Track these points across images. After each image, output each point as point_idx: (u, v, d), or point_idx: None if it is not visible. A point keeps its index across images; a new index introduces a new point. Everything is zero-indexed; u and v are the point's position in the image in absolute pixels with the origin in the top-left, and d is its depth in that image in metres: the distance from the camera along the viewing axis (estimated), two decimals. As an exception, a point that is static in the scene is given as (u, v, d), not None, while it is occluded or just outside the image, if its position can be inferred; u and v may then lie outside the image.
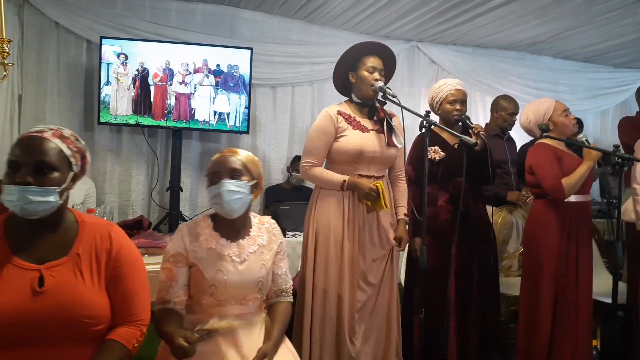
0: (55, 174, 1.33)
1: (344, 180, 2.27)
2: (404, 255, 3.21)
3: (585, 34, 4.36)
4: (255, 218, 1.86)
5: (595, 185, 4.49)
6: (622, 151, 2.31)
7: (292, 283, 1.91)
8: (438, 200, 2.74)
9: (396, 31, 4.44)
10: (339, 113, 2.35)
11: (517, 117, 3.55)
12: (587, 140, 2.55)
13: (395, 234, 2.45)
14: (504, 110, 3.51)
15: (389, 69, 2.43)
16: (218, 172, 1.73)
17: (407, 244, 2.58)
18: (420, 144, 2.75)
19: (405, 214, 2.51)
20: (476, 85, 4.83)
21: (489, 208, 3.01)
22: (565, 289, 2.66)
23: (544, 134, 2.56)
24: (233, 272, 1.70)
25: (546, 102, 2.72)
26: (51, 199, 1.31)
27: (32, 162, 1.30)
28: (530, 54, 5.03)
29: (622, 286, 2.79)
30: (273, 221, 1.90)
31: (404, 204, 2.51)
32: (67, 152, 1.37)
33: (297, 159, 3.96)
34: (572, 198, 2.62)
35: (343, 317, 2.31)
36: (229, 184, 1.69)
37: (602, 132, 5.44)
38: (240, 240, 1.77)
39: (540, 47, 4.85)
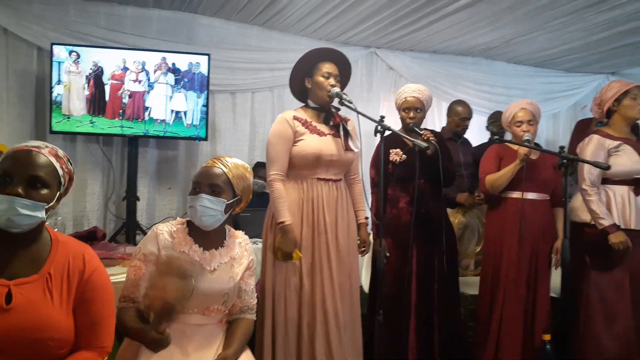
0: (46, 191, 1.33)
1: (283, 222, 2.25)
2: (364, 258, 3.24)
3: (537, 40, 4.50)
4: (229, 231, 1.88)
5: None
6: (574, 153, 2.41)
7: (256, 301, 1.92)
8: (399, 202, 2.80)
9: (355, 37, 4.48)
10: (295, 118, 2.36)
11: (470, 121, 3.68)
12: (528, 141, 2.67)
13: (359, 237, 2.48)
14: (457, 115, 3.65)
15: (344, 75, 2.46)
16: (199, 183, 1.73)
17: (372, 246, 2.61)
18: (384, 146, 2.80)
19: (366, 217, 2.54)
20: (433, 91, 4.82)
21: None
22: (520, 285, 2.75)
23: (494, 138, 2.68)
24: (202, 279, 1.68)
25: (511, 108, 2.87)
26: (39, 214, 1.30)
27: (26, 175, 1.30)
28: (485, 59, 5.16)
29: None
30: (246, 237, 1.92)
31: (362, 207, 2.54)
32: (60, 171, 1.37)
33: (258, 165, 3.94)
34: (529, 195, 2.73)
35: (304, 321, 2.31)
36: (205, 200, 1.69)
37: (554, 134, 5.62)
38: (213, 249, 1.77)
39: (495, 53, 4.98)
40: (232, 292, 1.77)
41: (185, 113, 3.78)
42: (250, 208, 3.40)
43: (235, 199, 1.77)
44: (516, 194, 2.77)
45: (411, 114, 2.78)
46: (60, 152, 1.42)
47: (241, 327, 1.81)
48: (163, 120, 3.73)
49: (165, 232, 1.74)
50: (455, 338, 2.86)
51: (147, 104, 3.68)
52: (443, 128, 3.89)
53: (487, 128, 4.14)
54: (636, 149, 2.78)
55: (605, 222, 2.67)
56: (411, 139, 2.34)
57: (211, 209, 1.69)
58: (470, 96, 4.99)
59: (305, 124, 2.37)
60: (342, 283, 2.40)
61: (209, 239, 1.78)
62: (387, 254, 2.72)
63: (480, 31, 4.25)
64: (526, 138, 2.70)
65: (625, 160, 2.74)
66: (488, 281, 2.86)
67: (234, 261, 1.80)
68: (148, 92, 3.69)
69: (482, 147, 3.36)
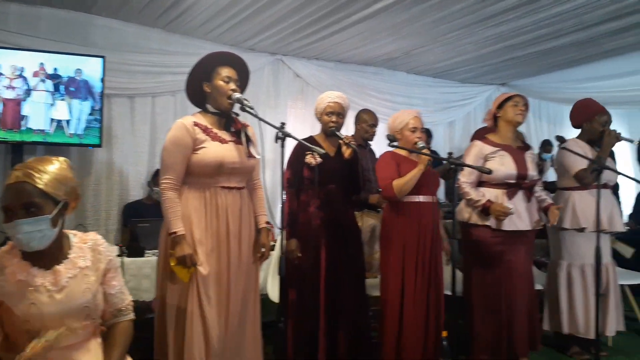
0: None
1: (175, 232, 2.15)
2: (270, 266, 3.22)
3: (433, 51, 4.75)
4: (75, 237, 1.67)
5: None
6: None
7: (130, 299, 1.77)
8: (310, 206, 2.81)
9: (260, 44, 4.46)
10: (196, 124, 2.28)
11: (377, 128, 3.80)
12: (422, 147, 2.79)
13: (260, 242, 2.43)
14: (365, 122, 3.75)
15: (243, 80, 2.41)
16: (10, 208, 1.48)
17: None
18: (300, 150, 2.81)
19: (267, 222, 2.50)
20: (338, 99, 5.02)
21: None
22: (417, 285, 2.86)
23: (390, 144, 2.76)
24: (48, 303, 1.52)
25: (405, 114, 2.94)
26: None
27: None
28: (387, 69, 5.36)
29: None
30: (98, 237, 1.71)
31: (263, 212, 2.50)
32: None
33: (159, 172, 3.77)
34: (420, 198, 2.85)
35: (208, 334, 2.22)
36: (24, 226, 1.47)
37: (450, 141, 5.96)
38: (57, 266, 1.57)
39: (396, 63, 5.19)
40: (93, 303, 1.61)
41: (68, 122, 3.55)
42: (150, 218, 3.29)
43: (60, 206, 1.54)
44: (412, 198, 2.87)
45: (334, 118, 2.85)
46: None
47: (118, 333, 1.69)
48: (42, 130, 3.47)
49: None
50: (362, 339, 2.92)
51: (24, 113, 3.42)
52: (352, 135, 3.98)
53: (387, 136, 4.27)
54: (514, 156, 2.99)
55: (483, 201, 2.89)
56: (310, 145, 2.34)
57: (35, 232, 1.48)
58: (374, 104, 5.15)
59: (206, 130, 2.29)
60: (244, 292, 2.35)
61: (48, 256, 1.57)
62: (299, 255, 2.73)
63: (381, 42, 4.41)
64: (421, 145, 2.82)
65: (499, 165, 2.94)
66: (390, 283, 2.93)
67: (86, 270, 1.62)
68: (25, 100, 3.42)
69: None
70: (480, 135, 3.14)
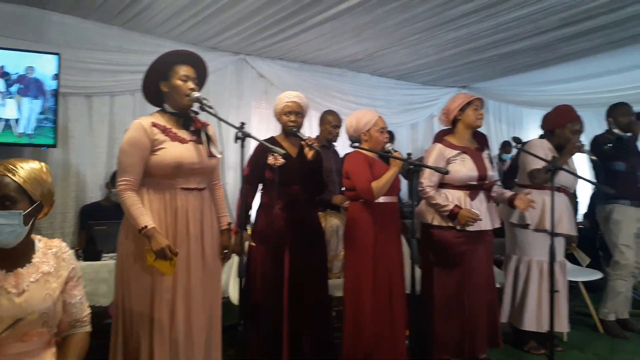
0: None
1: (145, 226, 2.08)
2: (231, 269, 3.18)
3: (396, 54, 4.80)
4: (40, 242, 1.66)
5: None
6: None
7: (89, 312, 1.74)
8: (273, 207, 2.79)
9: (223, 43, 4.41)
10: (154, 125, 2.22)
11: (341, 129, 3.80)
12: (393, 150, 2.81)
13: (222, 243, 2.40)
14: (329, 123, 3.77)
15: (201, 78, 2.37)
16: None
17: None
18: (261, 151, 2.79)
19: (228, 223, 2.47)
20: (303, 99, 5.01)
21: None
22: (380, 285, 2.88)
23: (354, 145, 2.77)
24: (7, 306, 1.48)
25: (370, 115, 2.95)
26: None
27: None
28: (351, 71, 5.38)
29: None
30: (63, 244, 1.70)
31: (225, 213, 2.47)
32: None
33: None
34: (381, 199, 2.87)
35: (172, 338, 2.18)
36: None
37: (413, 142, 6.04)
38: (19, 269, 1.55)
39: (360, 65, 5.22)
40: (52, 310, 1.58)
41: (17, 121, 3.42)
42: (108, 221, 3.20)
43: (34, 205, 1.56)
44: (382, 199, 2.89)
45: (292, 118, 2.82)
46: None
47: (73, 345, 1.64)
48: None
49: None
50: (325, 340, 2.92)
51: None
52: (317, 137, 3.98)
53: (350, 137, 4.29)
54: (473, 158, 3.07)
55: (450, 206, 2.94)
56: (270, 146, 2.32)
57: (6, 225, 1.48)
58: (338, 106, 5.16)
59: (164, 130, 2.23)
60: (208, 295, 2.31)
61: (12, 257, 1.55)
62: (253, 244, 2.70)
63: (344, 43, 4.43)
64: (390, 147, 2.83)
65: (461, 167, 3.01)
66: (353, 283, 2.94)
67: (48, 276, 1.60)
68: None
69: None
70: (439, 137, 3.19)
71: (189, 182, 2.25)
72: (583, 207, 4.45)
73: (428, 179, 3.00)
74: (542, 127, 3.58)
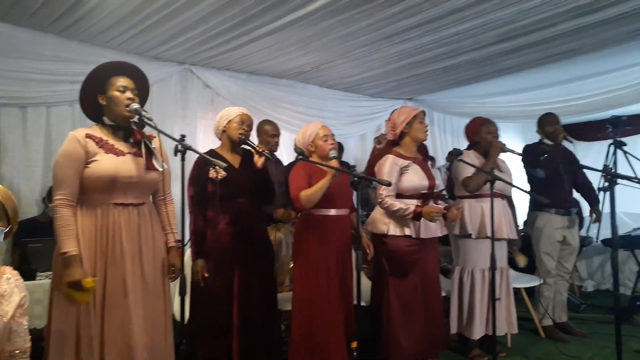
0: None
1: (65, 252, 2.01)
2: (175, 286, 3.08)
3: (343, 66, 4.85)
4: None
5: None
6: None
7: (29, 345, 1.69)
8: (219, 223, 2.73)
9: (167, 53, 4.32)
10: (88, 136, 2.15)
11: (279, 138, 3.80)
12: (332, 157, 2.83)
13: (169, 261, 2.32)
14: (266, 133, 3.75)
15: (142, 90, 2.31)
16: None
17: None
18: (201, 165, 2.72)
19: (178, 240, 2.40)
20: (251, 110, 4.87)
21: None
22: (331, 297, 2.87)
23: (299, 157, 2.77)
24: None
25: (312, 127, 2.98)
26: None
27: None
28: (300, 82, 5.39)
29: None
30: (15, 272, 1.67)
31: (172, 229, 2.39)
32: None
33: (54, 188, 3.51)
34: (332, 212, 2.88)
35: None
36: None
37: (362, 153, 6.10)
38: None
39: (308, 77, 5.24)
40: (1, 333, 1.51)
41: None
42: (42, 237, 3.05)
43: (9, 226, 1.55)
44: (323, 211, 2.90)
45: (245, 127, 2.82)
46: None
47: None
48: None
49: None
50: (277, 355, 2.88)
51: None
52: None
53: (295, 149, 4.27)
54: (422, 168, 3.17)
55: (412, 208, 3.01)
56: (211, 159, 2.28)
57: None
58: (287, 117, 5.18)
59: (99, 142, 2.16)
60: (151, 314, 2.22)
61: None
62: (206, 275, 2.64)
63: (291, 55, 4.43)
64: (333, 155, 2.85)
65: (413, 177, 3.11)
66: (302, 296, 2.92)
67: (2, 298, 1.56)
68: None
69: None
70: (388, 149, 3.25)
71: (126, 197, 2.18)
72: (522, 214, 4.62)
73: (387, 190, 3.06)
74: (467, 140, 3.72)
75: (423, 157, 3.29)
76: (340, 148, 5.53)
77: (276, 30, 3.77)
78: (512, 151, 3.43)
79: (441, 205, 3.24)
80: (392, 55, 4.49)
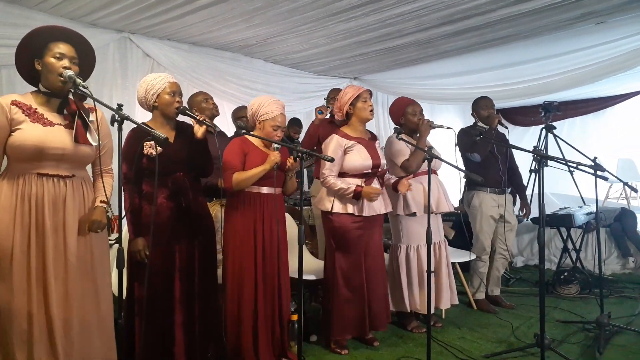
0: None
1: None
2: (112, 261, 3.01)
3: (288, 42, 4.80)
4: None
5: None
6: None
7: None
8: (158, 197, 2.65)
9: (104, 19, 4.10)
10: (15, 103, 2.03)
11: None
12: (275, 149, 2.79)
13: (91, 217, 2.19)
14: (198, 103, 3.62)
15: (85, 59, 2.19)
16: None
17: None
18: (133, 140, 2.61)
19: (102, 201, 2.27)
20: (194, 82, 4.84)
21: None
22: (266, 273, 2.90)
23: (242, 132, 2.74)
24: None
25: (273, 107, 2.90)
26: None
27: None
28: (244, 55, 5.29)
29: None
30: None
31: (101, 195, 2.27)
32: None
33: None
34: (264, 190, 2.87)
35: (36, 338, 2.01)
36: None
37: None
38: None
39: (253, 50, 5.15)
40: None
41: None
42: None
43: None
44: (254, 189, 2.87)
45: (177, 98, 2.67)
46: None
47: None
48: None
49: None
50: (218, 329, 2.88)
51: None
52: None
53: (235, 122, 4.19)
54: (367, 148, 3.23)
55: (352, 187, 3.10)
56: (152, 130, 2.19)
57: None
58: (233, 90, 5.10)
59: (27, 110, 2.04)
60: (78, 288, 2.14)
61: None
62: (147, 253, 2.56)
63: (236, 27, 4.34)
64: (276, 148, 2.79)
65: (357, 157, 3.17)
66: (229, 271, 2.91)
67: None
68: None
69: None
70: (333, 128, 3.29)
71: (59, 168, 2.09)
72: (452, 190, 4.80)
73: (330, 169, 3.12)
74: (393, 121, 3.77)
75: (371, 136, 3.35)
76: (298, 125, 5.54)
77: (220, 1, 3.67)
78: (440, 126, 3.50)
79: (392, 180, 3.33)
80: (337, 33, 4.49)
